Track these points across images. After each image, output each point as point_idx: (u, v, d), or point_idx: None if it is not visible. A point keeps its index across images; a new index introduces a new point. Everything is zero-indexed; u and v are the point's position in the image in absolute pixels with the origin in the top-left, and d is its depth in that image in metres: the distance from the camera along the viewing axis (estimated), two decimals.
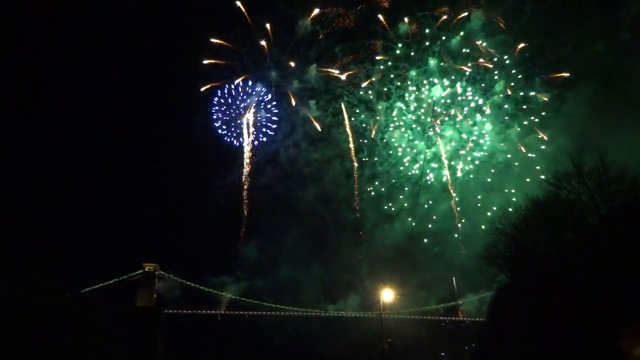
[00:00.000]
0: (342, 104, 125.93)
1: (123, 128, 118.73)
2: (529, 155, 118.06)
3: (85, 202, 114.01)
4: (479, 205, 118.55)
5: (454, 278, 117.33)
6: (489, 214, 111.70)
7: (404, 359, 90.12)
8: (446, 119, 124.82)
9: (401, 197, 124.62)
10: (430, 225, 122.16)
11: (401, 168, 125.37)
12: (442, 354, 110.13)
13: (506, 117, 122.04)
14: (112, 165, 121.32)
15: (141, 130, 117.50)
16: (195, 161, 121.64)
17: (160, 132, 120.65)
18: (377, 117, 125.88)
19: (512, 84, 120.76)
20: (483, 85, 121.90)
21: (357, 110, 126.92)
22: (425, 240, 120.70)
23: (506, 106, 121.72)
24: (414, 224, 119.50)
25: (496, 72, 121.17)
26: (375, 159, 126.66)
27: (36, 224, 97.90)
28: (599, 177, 51.61)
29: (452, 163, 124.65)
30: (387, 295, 65.80)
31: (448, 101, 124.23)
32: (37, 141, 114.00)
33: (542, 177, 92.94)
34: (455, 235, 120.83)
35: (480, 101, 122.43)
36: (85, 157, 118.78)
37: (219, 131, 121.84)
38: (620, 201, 49.30)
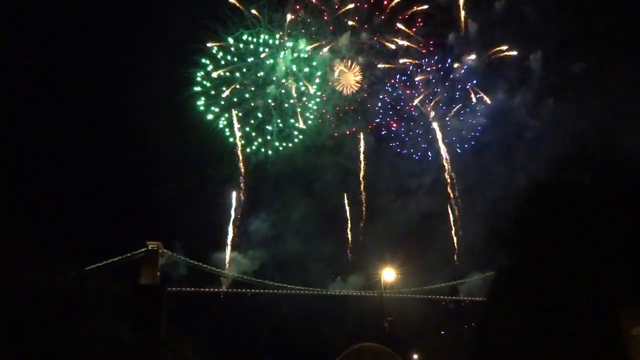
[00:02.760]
0: (368, 78, 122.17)
1: (129, 106, 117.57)
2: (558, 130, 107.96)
3: (90, 180, 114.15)
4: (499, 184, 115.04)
5: (455, 257, 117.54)
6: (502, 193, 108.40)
7: (404, 337, 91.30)
8: (480, 94, 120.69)
9: (422, 174, 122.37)
10: (446, 204, 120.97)
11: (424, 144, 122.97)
12: (442, 332, 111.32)
13: (540, 90, 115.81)
14: (115, 142, 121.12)
15: (146, 106, 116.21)
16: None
17: (166, 108, 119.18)
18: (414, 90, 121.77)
19: (549, 53, 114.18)
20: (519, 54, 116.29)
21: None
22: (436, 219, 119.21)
23: (541, 77, 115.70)
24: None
25: (534, 40, 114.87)
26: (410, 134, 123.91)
27: (40, 202, 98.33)
28: (602, 159, 51.44)
29: (480, 138, 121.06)
30: (389, 274, 66.37)
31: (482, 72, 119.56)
32: (43, 123, 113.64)
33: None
34: (454, 217, 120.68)
35: (514, 72, 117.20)
36: (89, 135, 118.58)
37: None
38: (623, 184, 49.17)
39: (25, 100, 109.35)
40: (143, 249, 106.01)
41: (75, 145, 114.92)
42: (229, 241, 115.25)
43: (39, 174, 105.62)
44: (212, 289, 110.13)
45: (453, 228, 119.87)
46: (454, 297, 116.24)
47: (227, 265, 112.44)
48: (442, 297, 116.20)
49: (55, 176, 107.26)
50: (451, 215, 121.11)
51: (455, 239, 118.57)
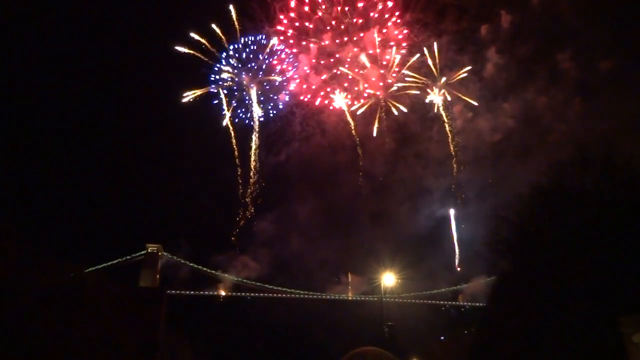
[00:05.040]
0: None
1: (129, 107, 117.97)
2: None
3: (90, 182, 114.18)
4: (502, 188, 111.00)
5: (457, 262, 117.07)
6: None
7: (404, 342, 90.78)
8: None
9: (436, 175, 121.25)
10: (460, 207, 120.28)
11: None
12: (442, 337, 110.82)
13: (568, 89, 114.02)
14: (116, 145, 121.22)
15: (147, 108, 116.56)
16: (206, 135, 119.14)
17: (166, 109, 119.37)
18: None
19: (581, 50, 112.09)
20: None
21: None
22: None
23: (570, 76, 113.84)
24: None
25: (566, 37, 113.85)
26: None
27: (41, 204, 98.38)
28: (604, 165, 51.24)
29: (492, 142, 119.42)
30: (389, 279, 66.28)
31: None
32: (45, 124, 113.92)
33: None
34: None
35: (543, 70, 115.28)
36: (90, 137, 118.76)
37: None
38: (624, 190, 48.98)
39: (27, 102, 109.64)
40: (143, 252, 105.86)
41: (77, 147, 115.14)
42: (232, 244, 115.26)
43: (40, 175, 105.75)
44: (211, 292, 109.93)
45: (455, 233, 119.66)
46: (453, 303, 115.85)
47: (228, 268, 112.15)
48: (442, 302, 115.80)
49: (55, 178, 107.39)
50: (453, 220, 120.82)
51: (456, 244, 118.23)
